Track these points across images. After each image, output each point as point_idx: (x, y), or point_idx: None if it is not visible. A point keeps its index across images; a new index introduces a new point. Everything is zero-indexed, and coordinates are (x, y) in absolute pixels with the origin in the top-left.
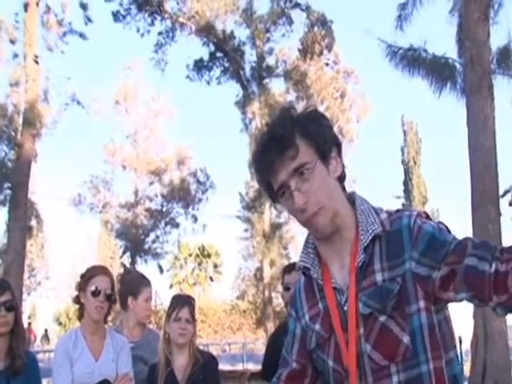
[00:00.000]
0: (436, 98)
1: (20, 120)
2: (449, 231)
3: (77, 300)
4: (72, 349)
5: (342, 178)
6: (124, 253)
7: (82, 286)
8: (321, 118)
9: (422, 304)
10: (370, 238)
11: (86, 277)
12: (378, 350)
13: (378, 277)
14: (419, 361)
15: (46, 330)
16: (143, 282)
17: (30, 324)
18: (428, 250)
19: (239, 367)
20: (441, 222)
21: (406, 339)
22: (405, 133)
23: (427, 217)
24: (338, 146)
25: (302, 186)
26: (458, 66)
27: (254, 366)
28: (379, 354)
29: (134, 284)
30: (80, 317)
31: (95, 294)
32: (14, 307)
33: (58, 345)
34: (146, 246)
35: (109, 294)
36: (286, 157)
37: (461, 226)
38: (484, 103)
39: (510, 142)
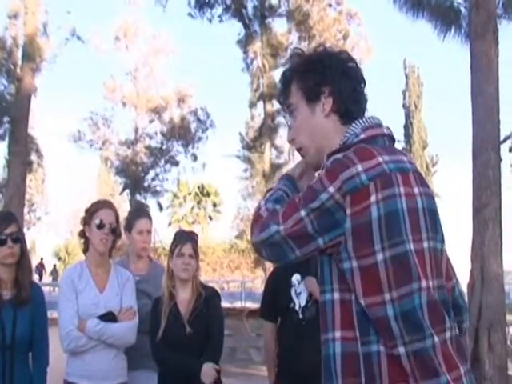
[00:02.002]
0: (439, 43)
1: (19, 54)
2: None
3: (82, 234)
4: (77, 280)
5: (340, 112)
6: (123, 190)
7: (86, 219)
8: (315, 61)
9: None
10: None
11: (91, 211)
12: None
13: None
14: (325, 289)
15: (54, 266)
16: (136, 214)
17: (42, 259)
18: None
19: (237, 305)
20: (316, 191)
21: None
22: (406, 76)
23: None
24: (334, 84)
25: (292, 124)
26: (463, 9)
27: (252, 304)
28: None
29: (128, 218)
30: (85, 250)
31: (100, 226)
32: (20, 239)
33: (63, 277)
34: (146, 184)
35: (113, 228)
36: (283, 98)
37: (461, 172)
38: (488, 48)
39: None
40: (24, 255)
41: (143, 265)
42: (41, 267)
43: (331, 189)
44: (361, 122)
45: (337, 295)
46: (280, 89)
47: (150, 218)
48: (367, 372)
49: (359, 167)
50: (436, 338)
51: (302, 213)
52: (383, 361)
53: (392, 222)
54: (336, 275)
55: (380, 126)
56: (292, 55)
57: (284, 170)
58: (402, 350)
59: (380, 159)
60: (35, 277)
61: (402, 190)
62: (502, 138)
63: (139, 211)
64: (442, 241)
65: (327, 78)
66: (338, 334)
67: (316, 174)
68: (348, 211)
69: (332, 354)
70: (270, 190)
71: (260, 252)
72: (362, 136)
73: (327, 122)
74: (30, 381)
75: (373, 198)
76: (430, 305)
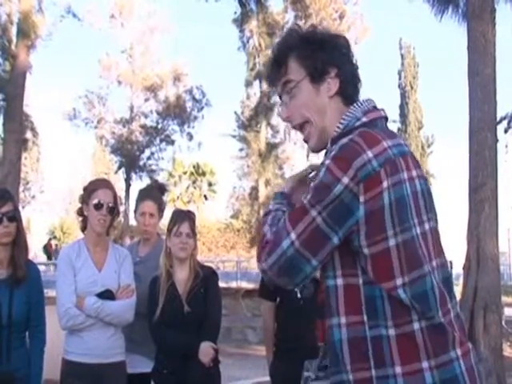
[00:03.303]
0: (435, 23)
1: (14, 31)
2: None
3: (80, 212)
4: (75, 259)
5: (344, 95)
6: (119, 169)
7: (84, 198)
8: (321, 40)
9: None
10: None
11: (89, 190)
12: None
13: None
14: (328, 275)
15: (56, 245)
16: (140, 196)
17: (50, 240)
18: None
19: (233, 285)
20: (327, 183)
21: None
22: (402, 56)
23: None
24: (341, 66)
25: (289, 102)
26: None
27: (248, 284)
28: None
29: (136, 200)
30: (83, 229)
31: (98, 206)
32: (16, 217)
33: (61, 255)
34: (141, 163)
35: (111, 207)
36: (277, 73)
37: (456, 152)
38: (485, 28)
39: (508, 70)
40: (20, 234)
41: (148, 247)
42: (49, 247)
43: (345, 179)
44: (359, 104)
45: (340, 281)
46: (274, 63)
47: (154, 201)
48: (376, 355)
49: (369, 153)
50: (442, 319)
51: (313, 212)
52: (393, 344)
53: (401, 207)
54: (339, 261)
55: (378, 108)
56: (290, 30)
57: (280, 150)
58: (416, 325)
59: (385, 144)
60: (43, 257)
61: (405, 175)
62: (498, 119)
63: (144, 193)
64: (437, 220)
65: (334, 59)
66: (343, 319)
67: (318, 162)
68: (361, 199)
69: (338, 340)
70: (266, 214)
71: (273, 279)
72: (364, 119)
73: (331, 102)
74: (27, 360)
75: (384, 184)
76: (437, 287)
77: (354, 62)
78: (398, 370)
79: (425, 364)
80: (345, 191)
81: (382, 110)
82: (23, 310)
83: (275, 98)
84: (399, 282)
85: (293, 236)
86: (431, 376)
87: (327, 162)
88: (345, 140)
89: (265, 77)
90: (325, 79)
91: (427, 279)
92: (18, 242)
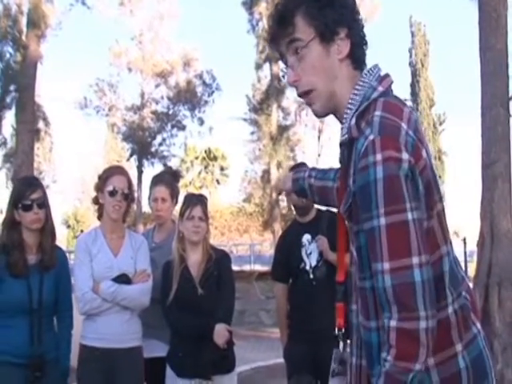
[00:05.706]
0: None
1: (24, 21)
2: (393, 189)
3: (96, 200)
4: (91, 245)
5: (354, 57)
6: (131, 156)
7: (99, 186)
8: None
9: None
10: (339, 143)
11: (104, 177)
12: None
13: (350, 181)
14: (365, 276)
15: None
16: (152, 182)
17: (82, 231)
18: (357, 196)
19: (246, 268)
20: (392, 176)
21: (353, 252)
22: (413, 34)
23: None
24: (351, 26)
25: (297, 65)
26: None
27: (261, 267)
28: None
29: (149, 187)
30: (99, 216)
31: (113, 193)
32: (45, 204)
33: (78, 242)
34: (153, 149)
35: (126, 194)
36: (283, 31)
37: (468, 128)
38: (497, 2)
39: None
40: (48, 220)
41: (163, 233)
42: None
43: (404, 154)
44: (371, 71)
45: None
46: (279, 20)
47: (166, 186)
48: None
49: (403, 124)
50: (464, 293)
51: (407, 216)
52: (430, 335)
53: (434, 174)
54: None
55: (387, 74)
56: None
57: (291, 132)
58: (450, 309)
59: (407, 110)
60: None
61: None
62: (510, 94)
63: (156, 179)
64: None
65: (345, 18)
66: (380, 322)
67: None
68: (417, 171)
69: (376, 343)
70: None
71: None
72: (380, 89)
73: (341, 65)
74: (56, 343)
75: (424, 153)
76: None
77: (362, 22)
78: (431, 361)
79: (458, 347)
80: (409, 167)
81: (389, 74)
82: (52, 295)
83: (285, 82)
84: (444, 250)
85: (415, 263)
86: (463, 359)
87: (378, 156)
88: (376, 118)
89: (267, 35)
90: (334, 40)
91: (450, 251)
92: (46, 227)
